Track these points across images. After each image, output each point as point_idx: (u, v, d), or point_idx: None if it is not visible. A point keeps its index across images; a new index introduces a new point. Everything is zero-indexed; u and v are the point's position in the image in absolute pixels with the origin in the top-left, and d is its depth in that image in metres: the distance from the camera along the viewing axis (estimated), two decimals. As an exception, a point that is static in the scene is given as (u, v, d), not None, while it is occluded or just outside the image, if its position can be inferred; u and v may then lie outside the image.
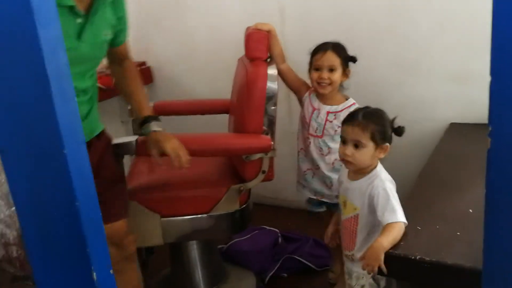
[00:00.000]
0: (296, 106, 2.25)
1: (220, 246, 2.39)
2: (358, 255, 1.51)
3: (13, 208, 0.69)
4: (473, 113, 2.22)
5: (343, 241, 1.64)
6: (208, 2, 2.79)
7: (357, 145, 1.50)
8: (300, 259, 2.30)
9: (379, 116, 1.55)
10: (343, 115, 1.87)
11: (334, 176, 1.91)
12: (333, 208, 2.03)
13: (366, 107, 1.58)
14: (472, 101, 2.22)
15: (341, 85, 1.93)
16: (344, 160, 1.54)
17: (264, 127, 1.83)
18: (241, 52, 2.65)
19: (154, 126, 1.65)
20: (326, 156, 1.93)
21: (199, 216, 1.83)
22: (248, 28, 2.03)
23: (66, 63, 0.61)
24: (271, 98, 1.82)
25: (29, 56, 0.58)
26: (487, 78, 0.47)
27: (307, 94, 2.00)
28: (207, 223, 1.85)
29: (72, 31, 1.38)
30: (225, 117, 2.29)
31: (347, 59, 1.89)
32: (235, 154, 1.87)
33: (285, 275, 2.27)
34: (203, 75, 2.94)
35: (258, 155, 1.80)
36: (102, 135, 1.65)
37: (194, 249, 2.09)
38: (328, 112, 1.91)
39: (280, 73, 2.00)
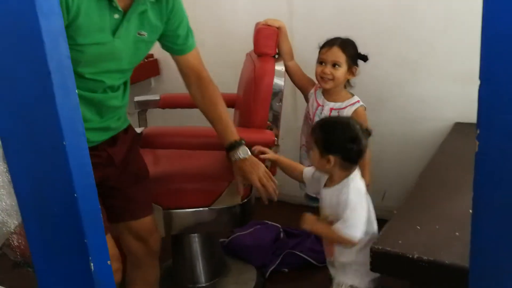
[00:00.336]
0: (302, 102, 2.25)
1: (221, 240, 2.40)
2: (339, 260, 1.54)
3: (14, 197, 0.70)
4: (478, 113, 2.21)
5: (324, 248, 1.65)
6: (216, -4, 2.79)
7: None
8: (301, 254, 2.31)
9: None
10: (346, 112, 1.88)
11: None
12: None
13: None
14: (477, 100, 2.21)
15: (348, 82, 1.93)
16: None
17: (269, 123, 1.83)
18: (248, 46, 2.65)
19: (241, 153, 1.63)
20: None
21: (201, 209, 1.84)
22: (258, 24, 2.03)
23: (67, 55, 0.62)
24: (277, 94, 1.82)
25: (30, 47, 0.58)
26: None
27: (312, 90, 2.01)
28: (208, 216, 1.86)
29: (108, 25, 1.34)
30: (230, 111, 2.29)
31: (354, 57, 1.88)
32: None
33: (286, 270, 2.28)
34: (209, 69, 2.93)
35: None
36: (128, 129, 1.65)
37: (195, 242, 2.11)
38: (331, 109, 1.91)
39: (287, 70, 2.00)
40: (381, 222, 1.56)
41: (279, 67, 1.88)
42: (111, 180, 1.55)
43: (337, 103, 1.91)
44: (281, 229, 2.48)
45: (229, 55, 2.84)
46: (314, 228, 1.57)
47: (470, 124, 2.27)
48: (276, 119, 1.86)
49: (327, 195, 1.54)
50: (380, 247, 1.30)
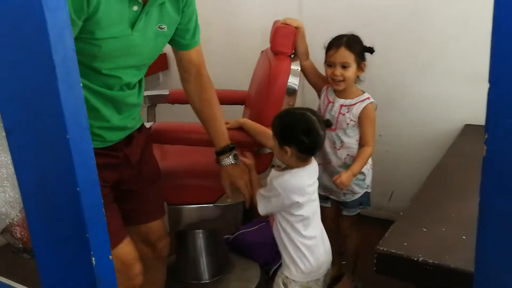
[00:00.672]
0: (310, 99, 2.24)
1: (226, 237, 2.40)
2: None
3: (18, 189, 0.70)
4: (489, 115, 2.19)
5: None
6: (226, -8, 2.78)
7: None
8: (305, 253, 2.30)
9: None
10: (355, 109, 1.88)
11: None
12: (339, 206, 2.03)
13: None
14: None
15: (357, 78, 1.92)
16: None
17: None
18: (258, 44, 2.64)
19: (233, 159, 1.65)
20: (338, 150, 1.92)
21: (206, 205, 1.84)
22: (276, 22, 2.02)
23: (72, 48, 0.61)
24: (290, 94, 1.82)
25: (35, 40, 0.58)
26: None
27: (324, 87, 2.00)
28: (213, 213, 1.86)
29: (126, 18, 1.30)
30: (239, 108, 2.29)
31: (362, 53, 1.87)
32: (248, 146, 1.88)
33: (290, 268, 2.27)
34: (218, 65, 2.93)
35: (269, 149, 1.80)
36: (142, 128, 1.63)
37: (199, 238, 2.11)
38: (341, 105, 1.90)
39: (303, 69, 2.01)
40: (387, 223, 1.55)
41: (295, 66, 1.88)
42: (126, 182, 1.53)
43: (347, 99, 1.90)
44: (286, 228, 2.47)
45: (237, 52, 2.83)
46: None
47: (480, 127, 2.24)
48: None
49: (270, 174, 1.62)
50: (385, 249, 1.29)
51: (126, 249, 1.45)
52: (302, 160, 1.54)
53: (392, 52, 2.34)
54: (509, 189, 0.46)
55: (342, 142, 1.91)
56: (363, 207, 2.02)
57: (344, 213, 2.02)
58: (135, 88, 1.49)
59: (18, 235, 0.94)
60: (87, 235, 0.67)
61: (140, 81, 1.54)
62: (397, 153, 2.46)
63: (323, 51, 1.92)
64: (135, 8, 1.31)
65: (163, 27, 1.42)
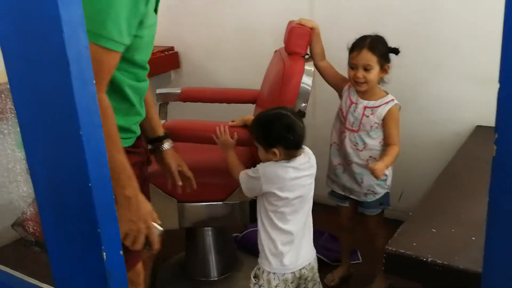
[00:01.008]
0: (320, 98, 2.24)
1: (235, 235, 2.41)
2: None
3: (31, 184, 0.71)
4: (501, 117, 2.18)
5: None
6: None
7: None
8: (314, 252, 2.30)
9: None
10: (380, 111, 1.87)
11: (366, 173, 1.90)
12: (358, 206, 2.02)
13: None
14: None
15: (382, 79, 1.91)
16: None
17: None
18: (268, 43, 2.64)
19: (171, 143, 1.64)
20: (361, 151, 1.91)
21: (215, 203, 1.85)
22: (291, 22, 2.03)
23: (86, 45, 0.62)
24: (303, 95, 1.82)
25: (50, 37, 0.58)
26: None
27: (346, 87, 1.99)
28: (222, 210, 1.87)
29: (154, 3, 1.27)
30: (250, 107, 2.29)
31: (385, 54, 1.86)
32: (249, 144, 1.88)
33: (298, 267, 2.27)
34: (228, 64, 2.95)
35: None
36: None
37: (209, 236, 2.12)
38: (365, 107, 1.89)
39: (319, 70, 2.00)
40: (396, 223, 1.54)
41: (309, 67, 1.88)
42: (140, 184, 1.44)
43: (371, 101, 1.89)
44: (295, 226, 2.47)
45: (248, 52, 2.84)
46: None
47: (492, 128, 2.22)
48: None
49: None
50: (394, 249, 1.29)
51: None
52: (290, 155, 1.59)
53: (403, 52, 2.32)
54: (518, 189, 0.46)
55: (365, 143, 1.90)
56: (383, 207, 2.01)
57: (366, 213, 2.01)
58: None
59: (31, 230, 0.95)
60: (98, 230, 0.67)
61: None
62: (407, 153, 2.45)
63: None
64: None
65: None
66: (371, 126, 1.87)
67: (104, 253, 0.69)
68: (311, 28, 1.94)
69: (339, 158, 2.00)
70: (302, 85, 1.82)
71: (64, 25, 0.57)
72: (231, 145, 1.73)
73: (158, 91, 2.33)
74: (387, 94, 1.91)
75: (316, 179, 2.17)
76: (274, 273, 1.64)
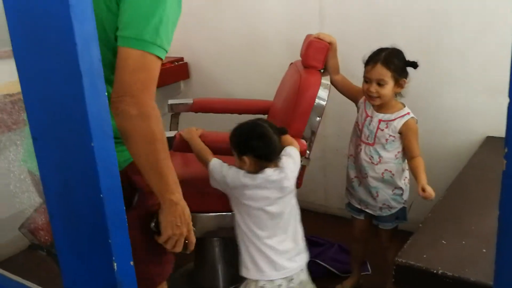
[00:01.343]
0: (330, 108, 2.23)
1: (244, 245, 2.40)
2: None
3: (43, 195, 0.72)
4: None
5: None
6: (248, 2, 2.80)
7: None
8: (323, 263, 2.29)
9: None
10: (395, 124, 1.84)
11: (382, 187, 1.89)
12: (373, 219, 2.01)
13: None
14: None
15: (398, 94, 1.88)
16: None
17: (304, 135, 1.83)
18: (278, 55, 2.66)
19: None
20: (376, 165, 1.89)
21: (224, 213, 1.85)
22: (309, 36, 2.04)
23: (99, 58, 0.63)
24: (318, 109, 1.82)
25: (63, 50, 0.59)
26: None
27: (362, 100, 1.97)
28: (232, 221, 1.87)
29: None
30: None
31: (401, 69, 1.82)
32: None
33: (307, 278, 2.26)
34: (237, 75, 2.96)
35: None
36: None
37: (217, 246, 2.11)
38: (380, 120, 1.87)
39: (335, 84, 2.00)
40: (406, 234, 1.54)
41: (326, 80, 1.89)
42: None
43: (386, 114, 1.87)
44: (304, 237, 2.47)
45: (257, 62, 2.85)
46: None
47: (502, 139, 2.21)
48: (311, 134, 1.86)
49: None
50: (404, 261, 1.28)
51: None
52: (260, 166, 1.60)
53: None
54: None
55: (380, 156, 1.87)
56: (399, 221, 1.99)
57: (380, 226, 2.00)
58: None
59: (42, 239, 0.96)
60: (109, 241, 0.68)
61: None
62: (417, 164, 2.44)
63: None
64: None
65: None
66: (386, 139, 1.85)
67: (115, 264, 0.69)
68: (329, 43, 1.94)
69: (355, 171, 1.98)
70: (317, 100, 1.83)
71: (78, 38, 0.58)
72: (194, 132, 1.78)
73: (170, 101, 2.35)
74: (404, 106, 1.88)
75: (325, 191, 2.17)
76: (258, 280, 1.65)
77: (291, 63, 2.18)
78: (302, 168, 1.84)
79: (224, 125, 2.68)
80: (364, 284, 2.22)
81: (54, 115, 0.64)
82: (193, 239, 1.29)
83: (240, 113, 2.42)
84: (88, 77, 0.61)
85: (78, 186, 0.67)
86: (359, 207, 2.01)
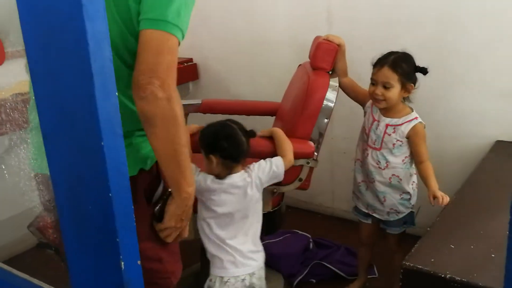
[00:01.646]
0: (338, 111, 2.23)
1: (250, 246, 2.40)
2: None
3: (53, 193, 0.72)
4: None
5: None
6: (256, 4, 2.81)
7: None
8: (330, 266, 2.29)
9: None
10: (402, 129, 1.83)
11: (389, 192, 1.88)
12: (380, 223, 2.00)
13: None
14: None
15: (407, 98, 1.87)
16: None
17: (312, 137, 1.83)
18: (286, 56, 2.66)
19: None
20: (383, 170, 1.88)
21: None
22: (317, 37, 2.03)
23: (110, 58, 0.63)
24: (326, 111, 1.81)
25: (75, 50, 0.60)
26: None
27: (369, 104, 1.96)
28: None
29: None
30: (269, 119, 2.30)
31: (409, 74, 1.80)
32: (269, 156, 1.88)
33: (314, 281, 2.26)
34: (246, 76, 2.96)
35: (299, 162, 1.79)
36: None
37: (224, 247, 2.11)
38: (387, 125, 1.86)
39: (343, 86, 2.00)
40: (414, 238, 1.53)
41: (334, 82, 1.89)
42: None
43: (394, 119, 1.85)
44: (310, 239, 2.47)
45: (265, 64, 2.85)
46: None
47: (512, 143, 2.21)
48: (319, 136, 1.85)
49: None
50: (411, 265, 1.28)
51: None
52: (227, 168, 1.59)
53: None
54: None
55: (387, 161, 1.86)
56: (407, 226, 1.98)
57: (388, 231, 1.99)
58: None
59: (51, 238, 0.96)
60: (117, 240, 0.68)
61: None
62: (426, 167, 2.43)
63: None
64: None
65: None
66: (394, 144, 1.84)
67: (123, 263, 0.69)
68: (338, 45, 1.94)
69: (362, 175, 1.98)
70: (325, 102, 1.82)
71: (90, 39, 0.58)
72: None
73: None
74: (412, 111, 1.87)
75: (331, 193, 2.17)
76: (224, 276, 1.65)
77: (300, 65, 2.18)
78: (310, 169, 1.84)
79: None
80: (370, 287, 2.22)
81: (65, 114, 0.65)
82: (185, 235, 1.29)
83: (248, 115, 2.42)
84: (99, 77, 0.61)
85: (87, 185, 0.68)
86: (366, 211, 2.00)
